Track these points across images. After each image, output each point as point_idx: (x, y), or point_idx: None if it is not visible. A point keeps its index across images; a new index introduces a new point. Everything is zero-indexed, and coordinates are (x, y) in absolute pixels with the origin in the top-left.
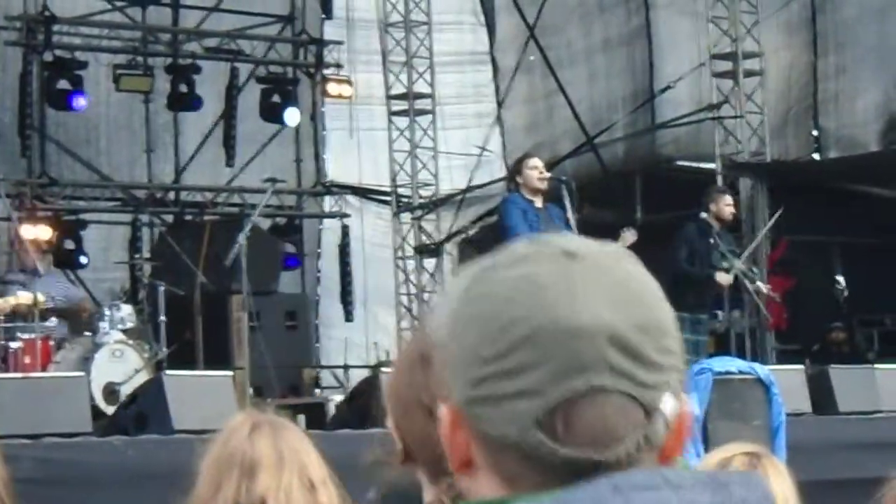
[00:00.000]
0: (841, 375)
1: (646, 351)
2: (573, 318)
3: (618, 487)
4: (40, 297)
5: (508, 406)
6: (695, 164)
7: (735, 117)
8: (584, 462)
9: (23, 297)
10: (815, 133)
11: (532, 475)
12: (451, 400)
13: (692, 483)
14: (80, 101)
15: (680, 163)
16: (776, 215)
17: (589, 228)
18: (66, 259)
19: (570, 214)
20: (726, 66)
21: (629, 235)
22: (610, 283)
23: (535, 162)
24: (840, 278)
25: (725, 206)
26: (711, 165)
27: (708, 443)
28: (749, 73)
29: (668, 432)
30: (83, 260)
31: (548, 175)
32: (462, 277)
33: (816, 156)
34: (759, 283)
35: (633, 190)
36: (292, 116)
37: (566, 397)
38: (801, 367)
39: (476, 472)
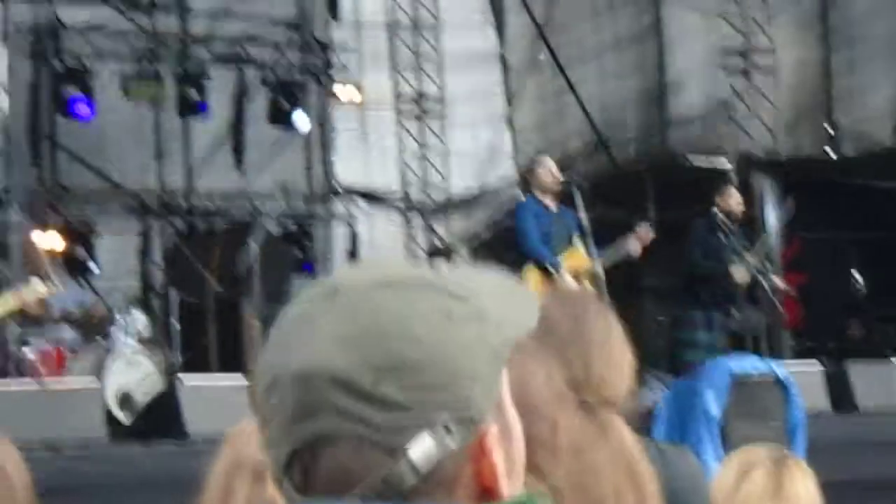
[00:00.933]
0: (860, 372)
1: (382, 391)
2: (298, 363)
3: None
4: (52, 288)
5: (267, 455)
6: (707, 162)
7: (747, 114)
8: None
9: (34, 286)
10: (828, 129)
11: None
12: None
13: None
14: (83, 109)
15: (692, 160)
16: (788, 210)
17: (602, 228)
18: (78, 267)
19: (582, 215)
20: (738, 62)
21: (644, 231)
22: (352, 321)
23: (548, 162)
24: (857, 275)
25: (733, 201)
26: (724, 163)
27: (727, 444)
28: (761, 69)
29: (466, 468)
30: (95, 268)
31: (560, 176)
32: None
33: (830, 152)
34: (773, 278)
35: (646, 188)
36: (302, 121)
37: (298, 446)
38: (818, 364)
39: None
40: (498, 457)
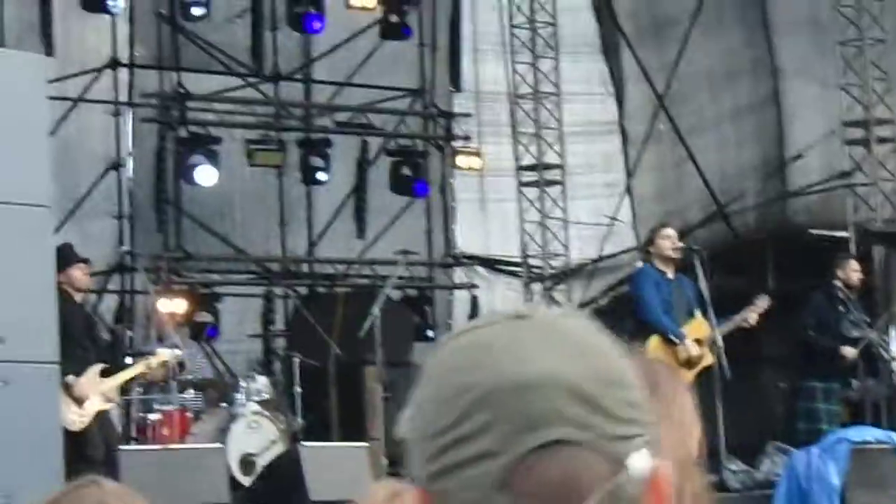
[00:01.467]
0: None
1: (607, 402)
2: (522, 374)
3: None
4: (178, 352)
5: (467, 472)
6: (827, 233)
7: (868, 185)
8: None
9: (164, 354)
10: None
11: None
12: (415, 484)
13: None
14: (208, 176)
15: (812, 230)
16: None
17: (721, 297)
18: (201, 331)
19: (701, 284)
20: (858, 133)
21: (762, 302)
22: (562, 337)
23: (669, 232)
24: None
25: (852, 272)
26: (844, 233)
27: None
28: (882, 140)
29: (645, 493)
30: (218, 332)
31: (680, 245)
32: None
33: None
34: (893, 351)
35: (765, 258)
36: (422, 189)
37: (522, 454)
38: None
39: None
40: (668, 495)
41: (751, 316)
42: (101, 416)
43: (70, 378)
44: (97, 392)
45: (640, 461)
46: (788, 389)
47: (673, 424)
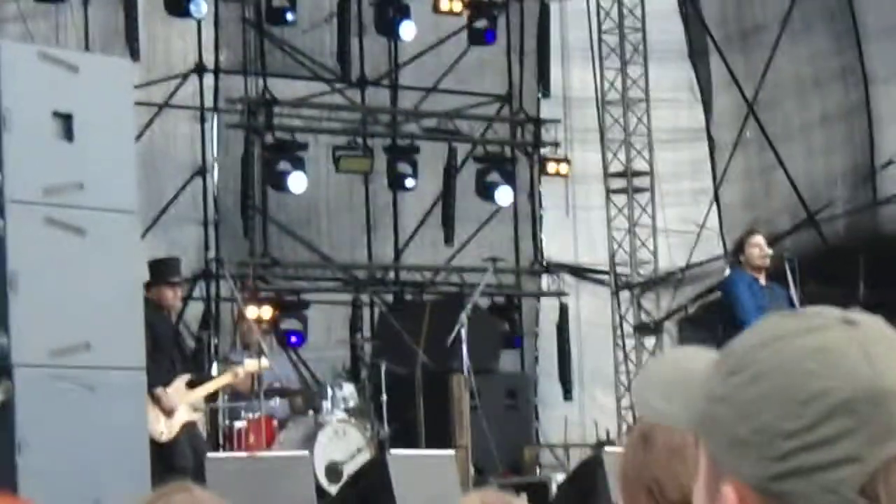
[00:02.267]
0: None
1: None
2: (879, 382)
3: None
4: (265, 363)
5: (824, 476)
6: None
7: None
8: None
9: (249, 365)
10: None
11: None
12: (741, 479)
13: None
14: (297, 182)
15: None
16: None
17: (812, 305)
18: (287, 339)
19: (793, 292)
20: None
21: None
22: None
23: (758, 239)
24: None
25: None
26: None
27: None
28: None
29: None
30: (304, 339)
31: (770, 252)
32: (714, 356)
33: None
34: None
35: (856, 267)
36: (504, 196)
37: (886, 461)
38: None
39: None
40: None
41: None
42: (189, 427)
43: (158, 390)
44: (184, 403)
45: None
46: None
47: None
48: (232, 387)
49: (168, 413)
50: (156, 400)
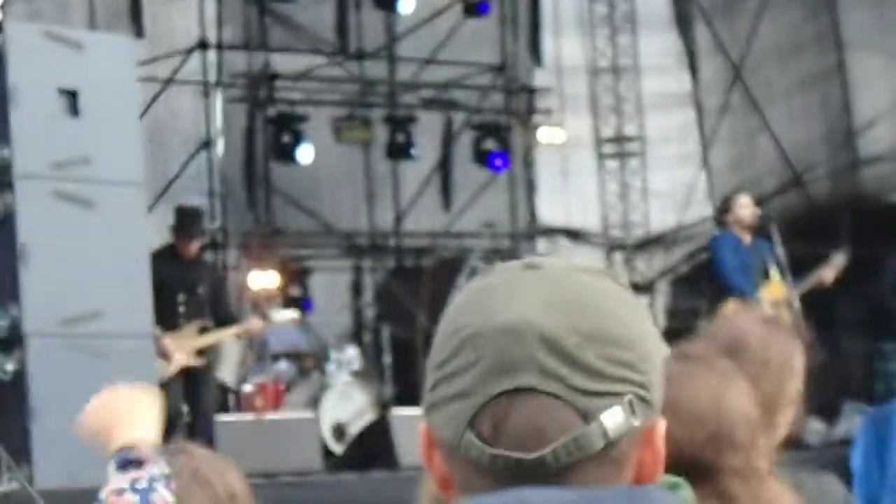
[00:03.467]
0: None
1: (584, 356)
2: (505, 317)
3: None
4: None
5: (449, 408)
6: None
7: None
8: (508, 462)
9: (254, 324)
10: None
11: (473, 480)
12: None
13: (557, 503)
14: (305, 154)
15: (886, 197)
16: None
17: (797, 264)
18: (293, 305)
19: (778, 248)
20: None
21: (839, 259)
22: (557, 290)
23: (745, 200)
24: None
25: None
26: None
27: None
28: None
29: (635, 453)
30: (309, 305)
31: (757, 212)
32: None
33: None
34: None
35: (840, 225)
36: (500, 163)
37: (495, 396)
38: None
39: (454, 492)
40: (662, 450)
41: (828, 273)
42: (195, 376)
43: (157, 332)
44: (189, 348)
45: (616, 418)
46: (866, 352)
47: (768, 372)
48: (250, 333)
49: (165, 356)
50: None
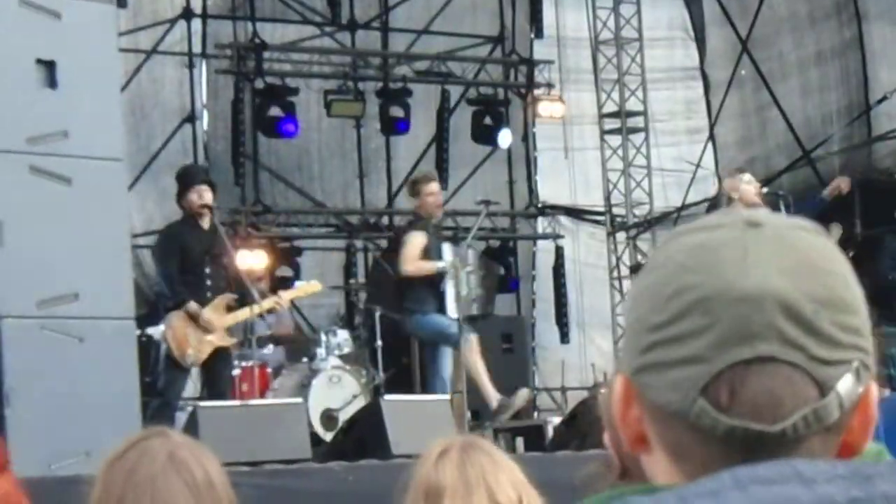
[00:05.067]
0: None
1: (822, 324)
2: (743, 284)
3: (739, 480)
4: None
5: (673, 373)
6: None
7: None
8: (746, 433)
9: (284, 298)
10: None
11: (696, 447)
12: (623, 371)
13: (830, 476)
14: (290, 128)
15: None
16: None
17: None
18: (281, 286)
19: None
20: None
21: (836, 229)
22: (789, 252)
23: (748, 177)
24: None
25: None
26: None
27: None
28: None
29: (851, 418)
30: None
31: (763, 189)
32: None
33: None
34: None
35: (852, 203)
36: (505, 138)
37: (731, 365)
38: None
39: (649, 450)
40: (874, 414)
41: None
42: (218, 355)
43: (192, 306)
44: (221, 326)
45: (846, 388)
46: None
47: None
48: (279, 309)
49: (206, 330)
50: (192, 317)
